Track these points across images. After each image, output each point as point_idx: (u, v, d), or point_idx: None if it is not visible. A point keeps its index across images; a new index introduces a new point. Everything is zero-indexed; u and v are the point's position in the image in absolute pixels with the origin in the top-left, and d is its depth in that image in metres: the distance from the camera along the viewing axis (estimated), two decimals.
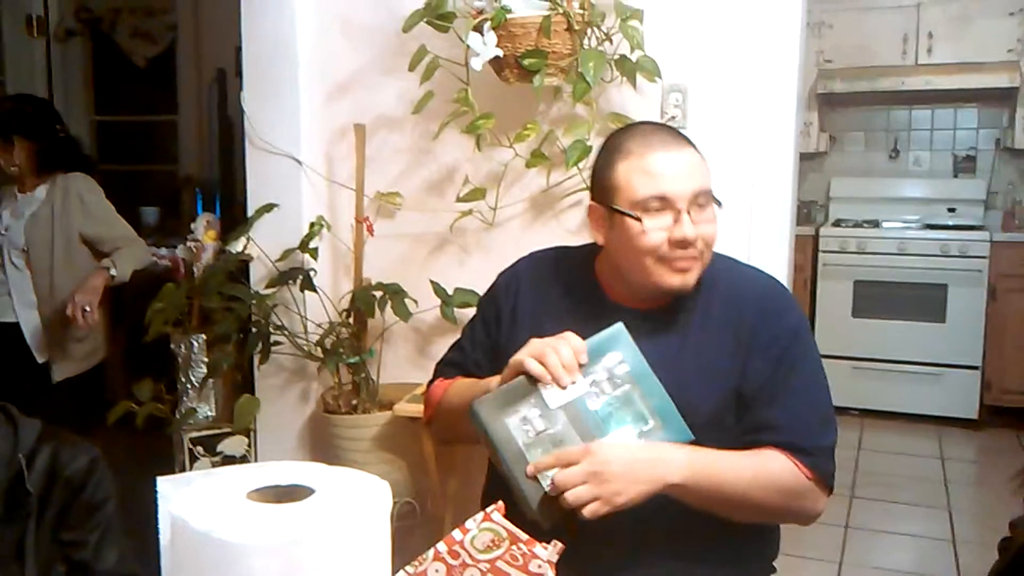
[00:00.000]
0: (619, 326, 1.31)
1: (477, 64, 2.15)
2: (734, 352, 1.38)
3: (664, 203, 1.34)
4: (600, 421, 1.27)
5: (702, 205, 1.36)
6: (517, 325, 1.50)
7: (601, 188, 1.42)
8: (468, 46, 2.15)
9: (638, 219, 1.34)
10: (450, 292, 2.40)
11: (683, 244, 1.34)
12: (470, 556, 1.04)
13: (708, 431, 1.31)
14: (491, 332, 1.55)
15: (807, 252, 4.73)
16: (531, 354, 1.28)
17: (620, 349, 1.30)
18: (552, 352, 1.27)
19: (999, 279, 4.44)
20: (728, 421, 1.36)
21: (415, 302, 2.46)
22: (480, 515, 1.07)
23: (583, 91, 2.16)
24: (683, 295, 1.40)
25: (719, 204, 1.39)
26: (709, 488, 1.29)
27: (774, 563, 1.53)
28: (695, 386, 1.33)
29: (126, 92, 4.74)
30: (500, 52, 2.14)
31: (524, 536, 1.06)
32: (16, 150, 2.85)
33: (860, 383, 4.62)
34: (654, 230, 1.34)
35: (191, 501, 0.64)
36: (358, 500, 0.69)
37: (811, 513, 1.39)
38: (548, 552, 1.04)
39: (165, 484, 0.67)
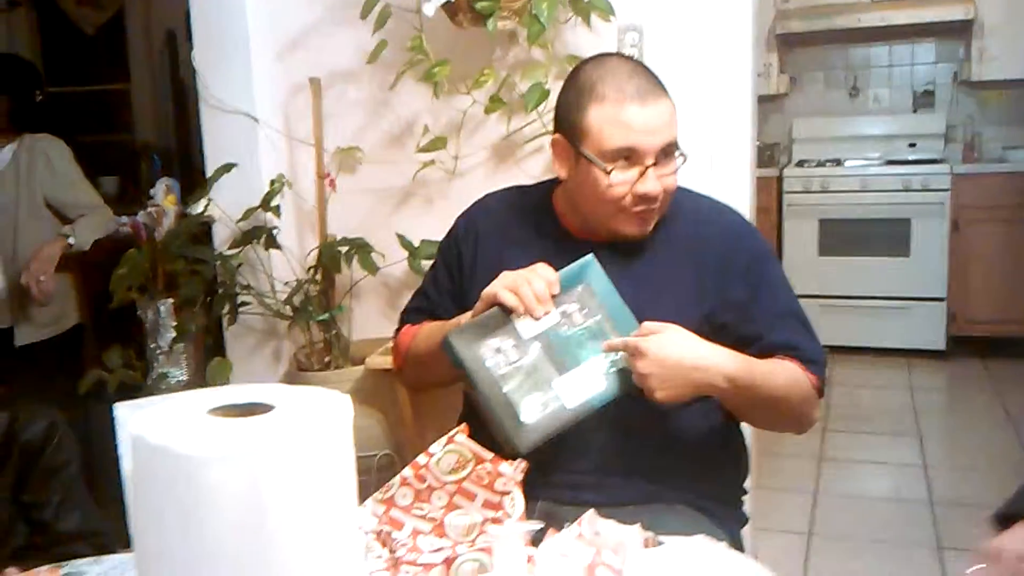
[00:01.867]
0: (589, 257, 1.32)
1: (429, 10, 2.12)
2: (702, 279, 1.39)
3: (633, 158, 1.34)
4: (573, 350, 1.29)
5: (668, 155, 1.36)
6: (479, 266, 1.50)
7: (569, 126, 1.39)
8: None
9: (605, 171, 1.34)
10: (416, 244, 2.40)
11: (646, 199, 1.35)
12: (436, 479, 1.06)
13: None
14: (454, 276, 1.55)
15: (772, 193, 4.76)
16: (504, 286, 1.28)
17: (590, 280, 1.31)
18: (525, 283, 1.28)
19: (961, 211, 4.49)
20: None
21: (382, 256, 2.45)
22: (444, 438, 1.08)
23: (537, 33, 2.14)
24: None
25: (684, 158, 1.39)
26: (748, 386, 1.30)
27: (745, 486, 1.55)
28: (661, 313, 1.34)
29: (75, 61, 4.64)
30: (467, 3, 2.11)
31: (488, 455, 1.07)
32: None
33: (829, 320, 4.68)
34: (619, 184, 1.34)
35: (150, 420, 0.64)
36: (319, 413, 0.69)
37: (813, 420, 1.43)
38: (513, 470, 1.05)
39: (123, 409, 0.67)
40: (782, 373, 1.35)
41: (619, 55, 1.48)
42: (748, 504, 1.57)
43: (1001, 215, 4.38)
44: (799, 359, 1.37)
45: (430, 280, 1.60)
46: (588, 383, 1.27)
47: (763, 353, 1.36)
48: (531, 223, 1.50)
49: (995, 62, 4.60)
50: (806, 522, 2.93)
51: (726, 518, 1.46)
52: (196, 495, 0.60)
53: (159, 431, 0.62)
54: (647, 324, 1.28)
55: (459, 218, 1.60)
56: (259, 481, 0.61)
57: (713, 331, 1.37)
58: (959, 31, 4.74)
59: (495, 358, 1.26)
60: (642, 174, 1.34)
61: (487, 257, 1.49)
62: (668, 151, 1.36)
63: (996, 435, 3.60)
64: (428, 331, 1.51)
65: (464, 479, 1.06)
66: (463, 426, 1.10)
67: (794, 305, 1.45)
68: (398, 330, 1.62)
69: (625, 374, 1.27)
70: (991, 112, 4.93)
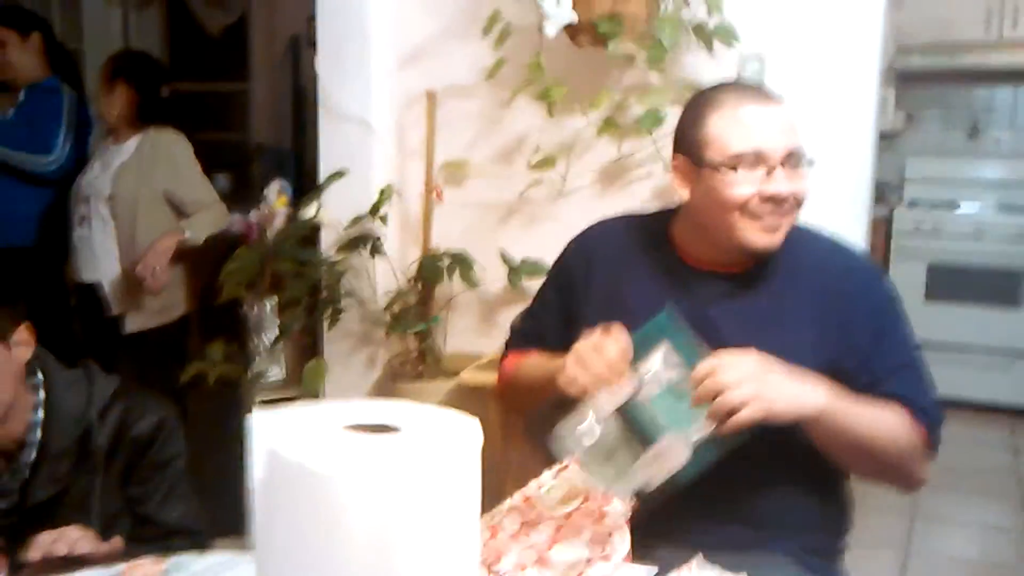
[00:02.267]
0: (666, 311, 1.27)
1: (551, 30, 2.12)
2: (825, 321, 1.34)
3: (758, 158, 1.30)
4: (655, 420, 1.24)
5: (794, 161, 1.32)
6: (593, 293, 1.48)
7: (689, 142, 1.37)
8: (542, 10, 2.13)
9: (733, 169, 1.30)
10: (518, 261, 2.39)
11: (775, 200, 1.30)
12: (544, 509, 1.04)
13: None
14: (565, 299, 1.53)
15: (880, 233, 4.61)
16: (575, 361, 1.24)
17: (669, 335, 1.25)
18: (596, 356, 1.23)
19: None
20: None
21: (482, 271, 2.45)
22: (556, 467, 1.06)
23: (658, 57, 2.12)
24: (766, 258, 1.36)
25: (811, 163, 1.35)
26: (844, 424, 1.26)
27: (843, 540, 1.49)
28: (778, 352, 1.30)
29: (200, 60, 4.80)
30: (575, 17, 2.11)
31: (599, 490, 1.05)
32: (116, 96, 2.90)
33: (932, 369, 4.49)
34: (746, 183, 1.30)
35: (285, 432, 0.64)
36: (451, 437, 0.69)
37: (918, 478, 1.37)
38: (622, 508, 1.03)
39: (258, 417, 0.67)
40: (888, 419, 1.29)
41: (743, 83, 1.46)
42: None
43: None
44: (913, 411, 1.32)
45: (540, 301, 1.59)
46: (672, 457, 1.22)
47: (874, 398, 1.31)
48: (647, 253, 1.47)
49: None
50: None
51: (826, 572, 1.41)
52: (327, 512, 0.60)
53: (295, 446, 0.62)
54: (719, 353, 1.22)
55: (571, 242, 1.57)
56: (390, 502, 0.61)
57: (828, 374, 1.31)
58: None
59: (580, 443, 1.23)
60: (769, 173, 1.30)
61: (601, 285, 1.47)
62: (794, 157, 1.32)
63: None
64: (533, 365, 1.49)
65: (572, 512, 1.04)
66: (575, 456, 1.08)
67: (917, 357, 1.39)
68: (505, 353, 1.61)
69: (713, 441, 1.21)
70: None
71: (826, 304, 1.35)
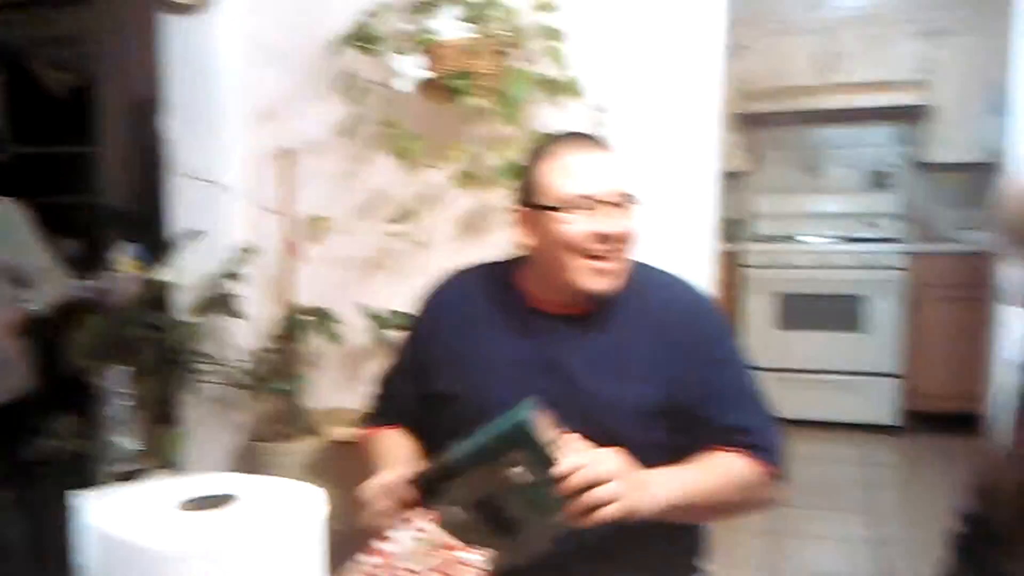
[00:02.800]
0: (526, 404, 1.20)
1: (403, 86, 2.15)
2: (666, 357, 1.40)
3: (584, 200, 1.38)
4: (513, 513, 1.19)
5: (620, 205, 1.40)
6: (441, 343, 1.51)
7: (526, 190, 1.46)
8: (394, 68, 2.16)
9: (561, 211, 1.38)
10: (382, 314, 2.39)
11: (603, 239, 1.38)
12: (399, 567, 1.03)
13: (636, 434, 1.32)
14: (418, 355, 1.54)
15: (732, 268, 4.83)
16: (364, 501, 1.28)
17: (527, 428, 1.17)
18: (380, 499, 1.25)
19: (916, 289, 4.59)
20: (652, 428, 1.38)
21: (345, 326, 2.43)
22: (410, 524, 1.06)
23: (509, 111, 2.17)
24: (607, 300, 1.42)
25: (637, 203, 1.42)
26: (693, 502, 1.31)
27: (698, 564, 1.55)
28: (624, 389, 1.35)
29: (45, 122, 4.60)
30: (426, 74, 2.14)
31: (455, 543, 1.05)
32: None
33: (786, 394, 4.72)
34: (576, 222, 1.38)
35: (114, 511, 0.62)
36: (287, 506, 0.68)
37: (767, 502, 1.45)
38: (480, 559, 1.03)
39: (81, 498, 0.65)
40: (730, 471, 1.36)
41: (578, 132, 1.51)
42: None
43: (954, 293, 4.48)
44: (751, 447, 1.38)
45: (395, 367, 1.60)
46: (534, 545, 1.19)
47: (715, 435, 1.38)
48: (496, 301, 1.50)
49: (947, 145, 4.75)
50: None
51: None
52: None
53: (125, 524, 0.60)
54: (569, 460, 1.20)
55: (423, 300, 1.60)
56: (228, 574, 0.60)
57: (671, 409, 1.38)
58: (913, 115, 4.90)
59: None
60: (596, 215, 1.38)
61: (450, 336, 1.50)
62: (619, 200, 1.40)
63: (948, 511, 3.61)
64: (374, 454, 1.51)
65: (428, 567, 1.03)
66: (432, 514, 1.08)
67: (751, 386, 1.46)
68: (365, 421, 1.61)
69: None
70: (944, 193, 5.08)
71: (665, 340, 1.41)
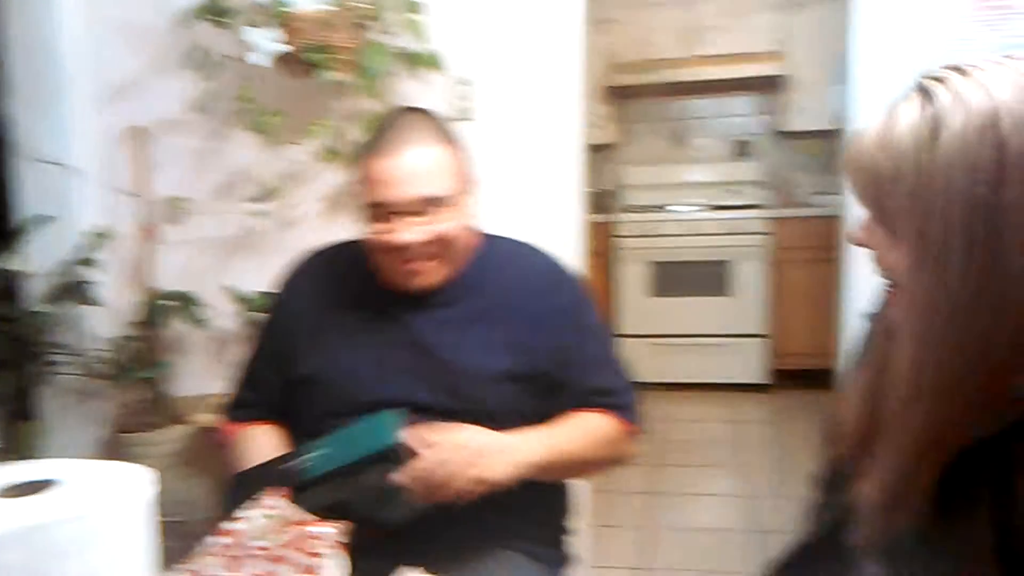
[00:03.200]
0: (387, 414, 1.23)
1: (258, 60, 2.09)
2: (524, 326, 1.42)
3: (379, 210, 1.36)
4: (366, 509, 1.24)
5: (420, 212, 1.36)
6: (295, 322, 1.49)
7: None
8: (249, 41, 2.10)
9: (369, 217, 1.38)
10: (248, 296, 2.34)
11: (396, 249, 1.37)
12: (247, 545, 1.02)
13: (500, 402, 1.35)
14: (278, 339, 1.52)
15: (605, 238, 4.93)
16: None
17: (381, 434, 1.22)
18: None
19: (778, 252, 4.79)
20: (515, 394, 1.40)
21: (210, 309, 2.37)
22: (259, 501, 1.05)
23: (369, 85, 2.15)
24: (463, 274, 1.44)
25: (450, 204, 1.38)
26: (557, 460, 1.34)
27: (571, 526, 1.59)
28: (485, 359, 1.38)
29: None
30: (282, 48, 2.10)
31: (307, 517, 1.04)
32: None
33: (661, 358, 4.87)
34: (374, 233, 1.38)
35: None
36: (109, 489, 0.67)
37: (628, 456, 1.50)
38: (332, 532, 1.03)
39: None
40: (591, 428, 1.41)
41: (413, 108, 1.48)
42: (582, 542, 1.61)
43: (813, 255, 4.69)
44: (611, 406, 1.44)
45: (256, 355, 1.56)
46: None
47: (577, 398, 1.42)
48: (353, 279, 1.49)
49: (802, 114, 4.96)
50: (638, 557, 3.01)
51: (552, 560, 1.50)
52: None
53: None
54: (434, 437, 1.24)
55: (280, 282, 1.57)
56: (45, 558, 0.58)
57: (532, 376, 1.41)
58: (772, 85, 5.08)
59: None
60: (391, 225, 1.36)
61: (309, 316, 1.48)
62: (420, 207, 1.35)
63: (812, 462, 3.80)
64: (237, 453, 1.49)
65: (278, 544, 1.02)
66: (279, 489, 1.07)
67: (609, 349, 1.51)
68: (225, 416, 1.57)
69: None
70: (802, 160, 5.30)
71: (520, 310, 1.43)
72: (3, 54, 2.39)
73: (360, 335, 1.43)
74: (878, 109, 0.87)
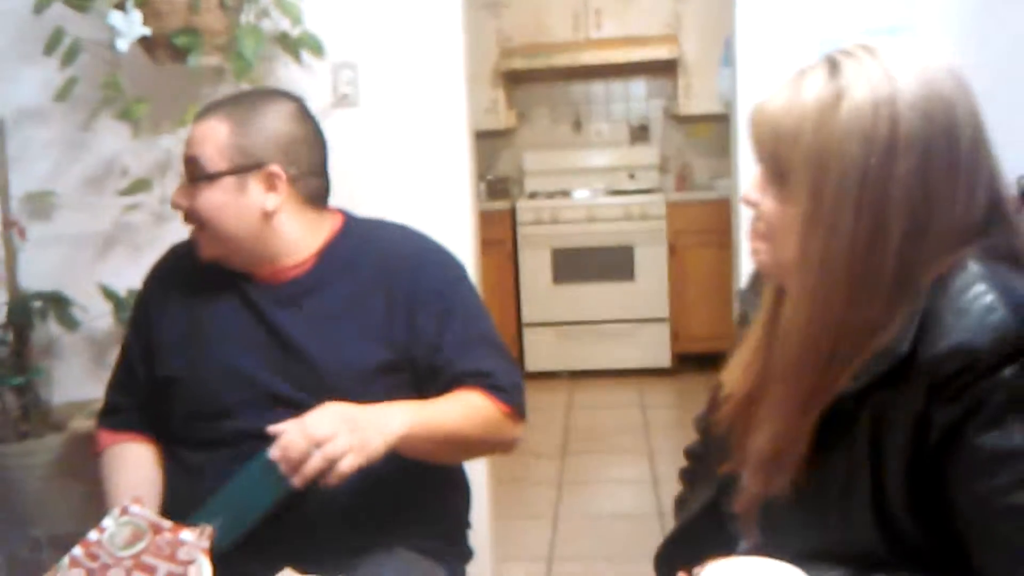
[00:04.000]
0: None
1: (122, 45, 1.98)
2: (390, 312, 1.37)
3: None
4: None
5: (192, 175, 1.35)
6: (159, 320, 1.43)
7: None
8: (111, 26, 1.98)
9: None
10: (122, 294, 2.22)
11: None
12: (111, 555, 0.96)
13: (366, 394, 1.27)
14: (144, 340, 1.44)
15: (506, 225, 4.90)
16: None
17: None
18: None
19: (676, 236, 4.83)
20: (387, 388, 1.34)
21: (84, 310, 2.25)
22: (116, 510, 0.99)
23: (243, 69, 2.06)
24: (322, 261, 1.38)
25: (209, 178, 1.33)
26: (430, 432, 1.28)
27: (468, 519, 1.55)
28: (346, 351, 1.33)
29: None
30: (147, 31, 1.99)
31: (167, 524, 0.99)
32: None
33: (565, 346, 4.87)
34: None
35: None
36: None
37: (510, 441, 1.43)
38: (196, 537, 0.98)
39: None
40: (466, 407, 1.35)
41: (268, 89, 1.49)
42: (488, 535, 1.57)
43: (711, 239, 4.74)
44: (488, 387, 1.37)
45: (124, 358, 1.48)
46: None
47: (452, 382, 1.36)
48: (213, 273, 1.41)
49: (697, 98, 5.01)
50: (547, 547, 3.00)
51: (449, 555, 1.46)
52: None
53: None
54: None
55: (144, 280, 1.50)
56: None
57: (402, 365, 1.36)
58: (667, 69, 5.13)
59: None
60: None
61: (171, 318, 1.42)
62: (185, 171, 1.36)
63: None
64: (108, 483, 1.41)
65: (142, 552, 0.97)
66: (136, 496, 1.01)
67: (485, 330, 1.45)
68: (99, 423, 1.49)
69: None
70: (698, 144, 5.36)
71: (390, 294, 1.37)
72: None
73: (220, 330, 1.37)
74: (763, 92, 0.93)
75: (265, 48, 2.12)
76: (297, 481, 1.13)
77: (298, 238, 1.38)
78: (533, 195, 5.18)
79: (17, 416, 2.24)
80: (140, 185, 2.21)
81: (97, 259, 2.34)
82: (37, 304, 2.19)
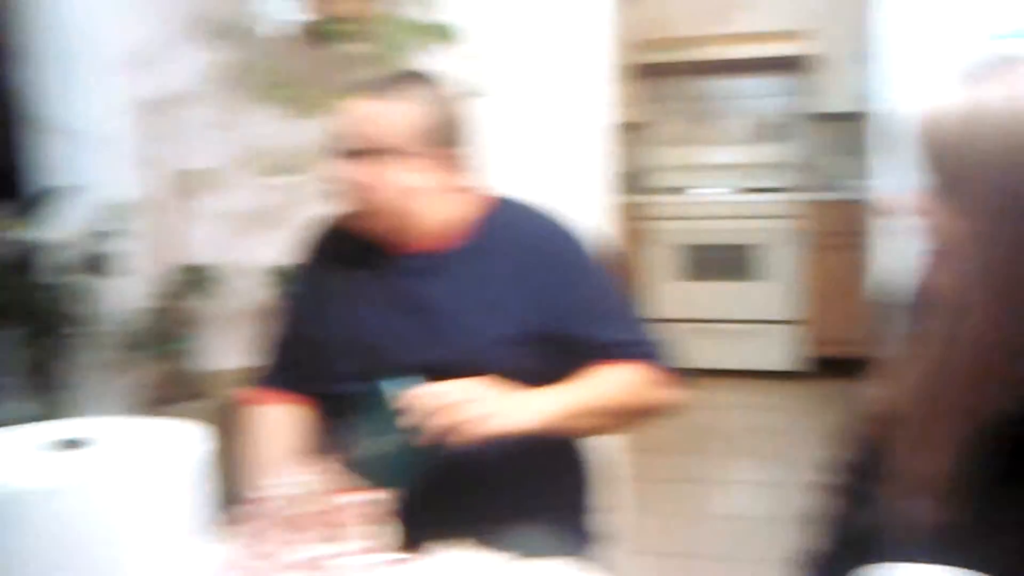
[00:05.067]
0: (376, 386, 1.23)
1: (277, 31, 2.09)
2: (532, 286, 1.40)
3: (334, 146, 1.41)
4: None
5: (368, 156, 1.37)
6: (312, 292, 1.51)
7: None
8: (267, 13, 2.09)
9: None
10: (270, 270, 2.32)
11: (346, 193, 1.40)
12: (285, 514, 1.02)
13: (509, 364, 1.32)
14: (296, 311, 1.54)
15: (635, 219, 4.88)
16: None
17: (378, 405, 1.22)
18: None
19: (809, 237, 4.71)
20: (530, 353, 1.38)
21: (233, 282, 2.37)
22: (290, 471, 1.05)
23: (385, 57, 2.13)
24: (470, 236, 1.43)
25: (388, 156, 1.37)
26: (584, 409, 1.32)
27: (590, 500, 1.56)
28: (491, 321, 1.37)
29: None
30: (301, 19, 2.09)
31: (339, 486, 1.04)
32: None
33: (693, 344, 4.81)
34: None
35: None
36: (156, 446, 0.66)
37: (669, 404, 1.46)
38: (362, 500, 1.03)
39: None
40: (616, 379, 1.37)
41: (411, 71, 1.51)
42: (619, 527, 1.58)
43: (842, 240, 4.60)
44: (635, 355, 1.40)
45: (279, 332, 1.57)
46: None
47: (596, 353, 1.38)
48: (361, 248, 1.48)
49: (831, 95, 4.86)
50: (672, 544, 2.97)
51: (574, 536, 1.47)
52: (18, 531, 0.57)
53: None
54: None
55: (299, 253, 1.58)
56: (86, 515, 0.59)
57: (544, 337, 1.39)
58: (801, 65, 5.00)
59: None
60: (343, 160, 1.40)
61: (324, 289, 1.50)
62: (362, 145, 1.37)
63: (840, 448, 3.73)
64: (255, 439, 1.49)
65: (314, 512, 1.03)
66: (310, 456, 1.07)
67: (625, 303, 1.48)
68: (257, 379, 1.57)
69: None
70: (832, 143, 5.21)
71: (529, 268, 1.41)
72: (17, 25, 2.40)
73: (372, 301, 1.44)
74: (904, 90, 0.89)
75: (407, 36, 2.18)
76: (442, 432, 1.17)
77: (451, 214, 1.44)
78: (662, 190, 5.14)
79: (171, 382, 2.38)
80: (288, 166, 2.31)
81: (253, 235, 2.45)
82: (193, 277, 2.32)
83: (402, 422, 1.19)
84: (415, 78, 1.45)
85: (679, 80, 5.36)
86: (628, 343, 1.42)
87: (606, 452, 1.67)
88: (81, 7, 2.38)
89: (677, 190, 5.10)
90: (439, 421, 1.17)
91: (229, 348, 2.46)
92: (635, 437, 2.08)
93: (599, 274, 1.48)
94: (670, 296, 4.86)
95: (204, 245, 2.43)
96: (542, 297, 1.40)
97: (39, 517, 0.59)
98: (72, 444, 0.69)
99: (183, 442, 0.70)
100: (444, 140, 1.40)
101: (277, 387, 1.53)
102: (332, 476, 1.08)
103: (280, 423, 1.49)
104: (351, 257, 1.49)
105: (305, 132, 2.34)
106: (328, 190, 1.45)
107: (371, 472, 1.18)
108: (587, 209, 2.33)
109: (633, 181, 5.27)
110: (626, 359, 1.40)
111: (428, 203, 1.41)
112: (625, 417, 1.44)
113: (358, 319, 1.44)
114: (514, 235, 1.46)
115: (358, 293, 1.45)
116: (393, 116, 1.37)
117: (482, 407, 1.19)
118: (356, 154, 1.37)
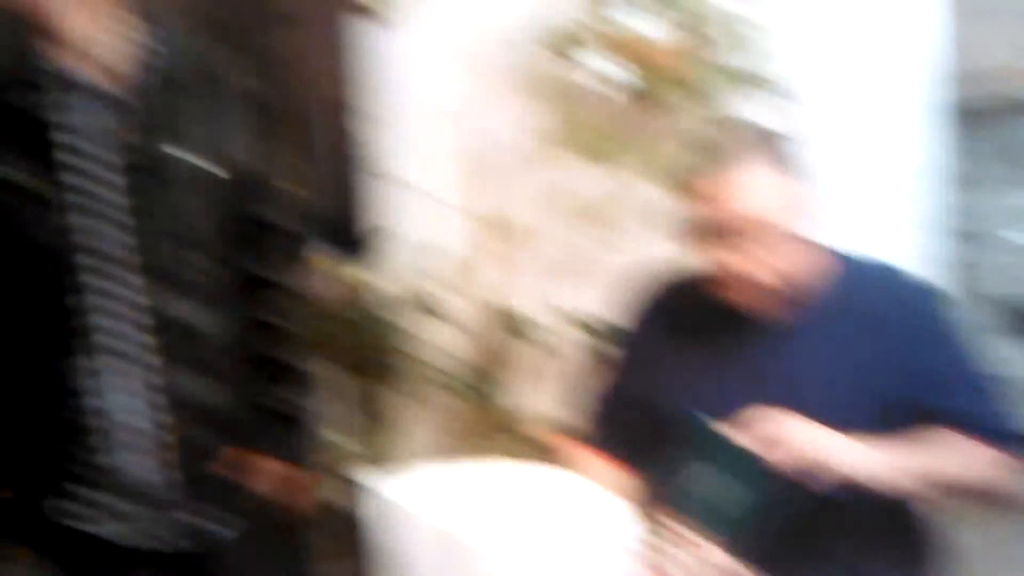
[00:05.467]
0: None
1: (607, 91, 2.13)
2: (879, 353, 1.33)
3: (720, 228, 1.34)
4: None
5: (757, 233, 1.32)
6: (649, 357, 1.49)
7: None
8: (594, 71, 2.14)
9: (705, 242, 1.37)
10: (585, 320, 2.35)
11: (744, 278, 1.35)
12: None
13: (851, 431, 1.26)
14: (631, 367, 1.54)
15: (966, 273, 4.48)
16: None
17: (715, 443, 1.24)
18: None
19: None
20: (872, 426, 1.29)
21: (542, 331, 2.43)
22: (650, 521, 1.05)
23: (701, 105, 2.11)
24: (815, 302, 1.36)
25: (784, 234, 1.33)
26: (921, 472, 1.26)
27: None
28: (836, 395, 1.32)
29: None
30: (631, 78, 2.12)
31: (694, 538, 1.04)
32: None
33: None
34: (719, 258, 1.37)
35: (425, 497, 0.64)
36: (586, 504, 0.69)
37: (1008, 495, 1.34)
38: (714, 555, 1.01)
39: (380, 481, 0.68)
40: (954, 453, 1.28)
41: (751, 125, 1.53)
42: None
43: None
44: (981, 431, 1.29)
45: (607, 391, 1.57)
46: None
47: (944, 424, 1.29)
48: (703, 311, 1.44)
49: None
50: None
51: None
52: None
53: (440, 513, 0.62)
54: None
55: (630, 314, 1.57)
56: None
57: (891, 410, 1.31)
58: None
59: None
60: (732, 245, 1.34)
61: (659, 351, 1.48)
62: (764, 223, 1.31)
63: None
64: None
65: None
66: (667, 508, 1.08)
67: (981, 370, 1.37)
68: (586, 433, 1.58)
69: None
70: None
71: (879, 334, 1.34)
72: (352, 78, 2.61)
73: (718, 371, 1.40)
74: None
75: (724, 84, 2.16)
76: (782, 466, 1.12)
77: (806, 277, 1.38)
78: (987, 239, 4.71)
79: (483, 423, 2.47)
80: (592, 214, 2.33)
81: (570, 285, 2.46)
82: (510, 323, 2.41)
83: (735, 456, 1.16)
84: (766, 138, 1.40)
85: (998, 119, 4.90)
86: (977, 415, 1.31)
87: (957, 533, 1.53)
88: (414, 66, 2.56)
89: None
90: (780, 454, 1.14)
91: (544, 394, 2.52)
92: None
93: (954, 339, 1.38)
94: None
95: (521, 293, 2.51)
96: (895, 362, 1.32)
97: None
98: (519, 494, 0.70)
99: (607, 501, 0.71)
100: (805, 201, 1.35)
101: (598, 446, 1.52)
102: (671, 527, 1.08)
103: (607, 475, 1.48)
104: (699, 323, 1.45)
105: (608, 180, 2.37)
106: (699, 262, 1.39)
107: (704, 514, 1.15)
108: (921, 263, 2.18)
109: (964, 231, 4.86)
110: (977, 434, 1.29)
111: (798, 268, 1.35)
112: (955, 494, 1.33)
113: (702, 390, 1.39)
114: (864, 296, 1.38)
115: (702, 361, 1.42)
116: (765, 186, 1.30)
117: (828, 444, 1.14)
118: (738, 231, 1.31)
